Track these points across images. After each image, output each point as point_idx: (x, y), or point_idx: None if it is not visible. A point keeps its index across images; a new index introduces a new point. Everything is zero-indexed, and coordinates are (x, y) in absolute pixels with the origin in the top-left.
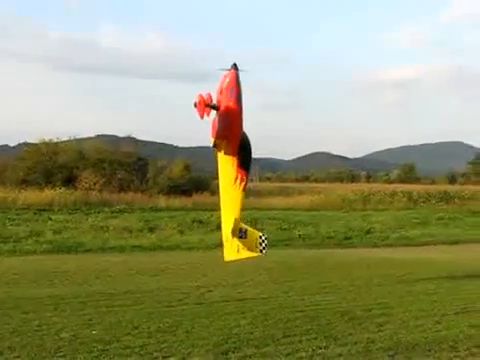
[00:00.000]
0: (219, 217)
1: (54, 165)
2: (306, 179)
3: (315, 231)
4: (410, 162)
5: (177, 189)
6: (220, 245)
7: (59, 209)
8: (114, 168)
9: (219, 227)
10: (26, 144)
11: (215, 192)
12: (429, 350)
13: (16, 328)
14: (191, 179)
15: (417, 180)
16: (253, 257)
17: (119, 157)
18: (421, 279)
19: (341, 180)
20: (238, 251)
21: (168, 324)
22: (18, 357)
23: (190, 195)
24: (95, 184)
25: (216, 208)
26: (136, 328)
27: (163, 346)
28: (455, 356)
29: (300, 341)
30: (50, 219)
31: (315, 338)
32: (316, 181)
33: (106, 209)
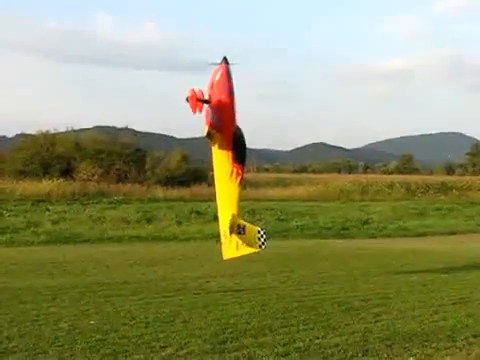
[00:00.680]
0: (216, 208)
1: (52, 156)
2: (304, 170)
3: (313, 222)
4: (408, 153)
5: (175, 180)
6: (217, 236)
7: (57, 200)
8: (112, 159)
9: (216, 218)
10: (23, 135)
11: (212, 184)
12: (426, 340)
13: (14, 318)
14: (189, 170)
15: (415, 171)
16: (252, 252)
17: (117, 148)
18: (419, 270)
19: (339, 171)
20: (237, 248)
21: (166, 314)
22: (16, 347)
23: (188, 186)
24: (93, 175)
25: (213, 199)
26: (134, 318)
27: (161, 336)
28: (452, 346)
29: (297, 331)
30: (48, 210)
31: (312, 328)
32: (314, 172)
33: (104, 200)
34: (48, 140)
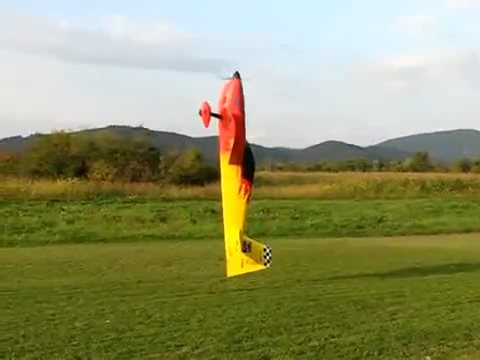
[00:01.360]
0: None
1: (66, 156)
2: (318, 168)
3: (327, 220)
4: (423, 150)
5: (189, 179)
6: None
7: (71, 200)
8: (126, 158)
9: None
10: (38, 135)
11: None
12: (443, 338)
13: (30, 317)
14: (202, 169)
15: (430, 168)
16: (257, 271)
17: (131, 147)
18: (434, 267)
19: (353, 169)
20: (242, 265)
21: (181, 313)
22: (32, 346)
23: (202, 185)
24: (107, 174)
25: None
26: (149, 317)
27: (176, 335)
28: (469, 344)
29: (313, 330)
30: (63, 210)
31: (327, 327)
32: (328, 170)
33: (118, 199)
34: (63, 140)
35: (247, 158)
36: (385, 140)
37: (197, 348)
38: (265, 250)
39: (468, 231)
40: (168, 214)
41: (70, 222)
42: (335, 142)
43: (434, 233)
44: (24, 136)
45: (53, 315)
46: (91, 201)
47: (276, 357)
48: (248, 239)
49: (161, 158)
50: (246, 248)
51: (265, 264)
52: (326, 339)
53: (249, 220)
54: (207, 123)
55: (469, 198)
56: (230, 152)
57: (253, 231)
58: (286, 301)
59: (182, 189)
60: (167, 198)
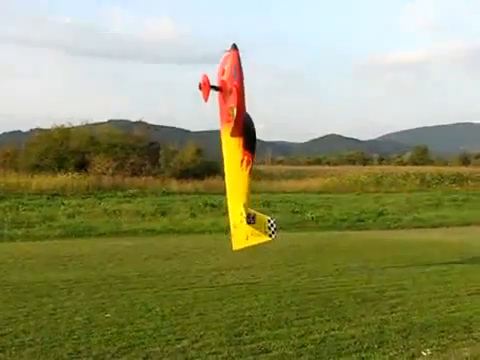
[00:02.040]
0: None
1: (66, 150)
2: (318, 162)
3: (327, 213)
4: (423, 144)
5: (189, 173)
6: (228, 228)
7: (72, 194)
8: (126, 153)
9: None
10: (38, 130)
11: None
12: (443, 331)
13: (30, 312)
14: (203, 163)
15: (430, 162)
16: (263, 243)
17: (131, 142)
18: (434, 261)
19: (353, 162)
20: (247, 238)
21: (181, 307)
22: (33, 340)
23: (202, 179)
24: (107, 169)
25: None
26: (149, 311)
27: (176, 329)
28: (469, 337)
29: (313, 323)
30: (63, 204)
31: (328, 320)
32: (328, 164)
33: (119, 193)
34: (63, 134)
35: (248, 130)
36: (385, 134)
37: (197, 342)
38: (269, 221)
39: (468, 224)
40: (168, 208)
41: (70, 216)
42: (335, 136)
43: (434, 226)
44: (24, 130)
45: (54, 309)
46: (91, 195)
47: (276, 350)
48: (252, 211)
49: (161, 152)
50: (251, 220)
51: (270, 235)
52: (326, 332)
53: None
54: (207, 96)
55: (469, 191)
56: (232, 123)
57: None
58: (286, 294)
59: (182, 183)
60: (167, 192)
